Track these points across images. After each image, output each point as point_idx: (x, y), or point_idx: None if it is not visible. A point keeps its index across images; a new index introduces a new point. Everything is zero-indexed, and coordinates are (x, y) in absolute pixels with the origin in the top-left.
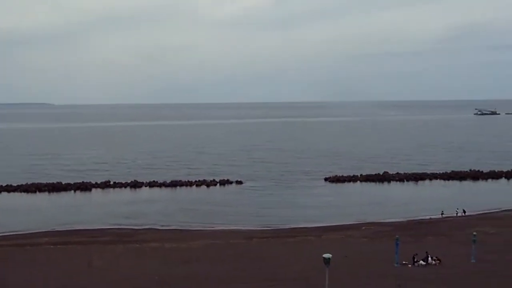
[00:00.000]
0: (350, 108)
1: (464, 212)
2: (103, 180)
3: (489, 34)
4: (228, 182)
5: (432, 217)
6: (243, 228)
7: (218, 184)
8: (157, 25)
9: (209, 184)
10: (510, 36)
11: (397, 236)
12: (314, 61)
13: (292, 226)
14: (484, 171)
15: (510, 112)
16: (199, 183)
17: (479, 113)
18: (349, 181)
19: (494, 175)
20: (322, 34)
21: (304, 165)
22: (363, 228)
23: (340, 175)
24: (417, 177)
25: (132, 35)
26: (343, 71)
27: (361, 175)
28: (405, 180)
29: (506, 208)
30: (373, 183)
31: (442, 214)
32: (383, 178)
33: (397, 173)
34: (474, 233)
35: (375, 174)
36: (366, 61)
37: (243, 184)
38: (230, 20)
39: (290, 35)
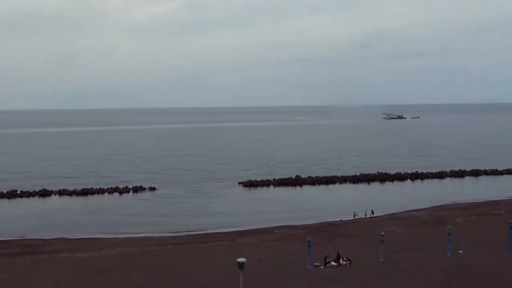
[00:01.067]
0: (263, 114)
1: (373, 213)
2: (9, 189)
3: (395, 41)
4: (142, 189)
5: (342, 219)
6: (157, 235)
7: (131, 191)
8: (69, 29)
9: (121, 191)
10: (413, 44)
11: (309, 238)
12: (229, 67)
13: (206, 231)
14: (391, 173)
15: (415, 116)
16: (111, 191)
17: (387, 117)
18: (263, 185)
19: (400, 177)
20: (238, 40)
21: (219, 170)
22: (276, 231)
23: (254, 179)
24: (328, 181)
25: (44, 38)
26: (257, 77)
27: (274, 179)
28: (316, 183)
29: (411, 209)
30: (285, 187)
31: (355, 215)
32: (296, 182)
33: (309, 176)
34: (382, 233)
35: (288, 178)
36: (279, 67)
37: (156, 191)
38: (145, 24)
39: (206, 40)
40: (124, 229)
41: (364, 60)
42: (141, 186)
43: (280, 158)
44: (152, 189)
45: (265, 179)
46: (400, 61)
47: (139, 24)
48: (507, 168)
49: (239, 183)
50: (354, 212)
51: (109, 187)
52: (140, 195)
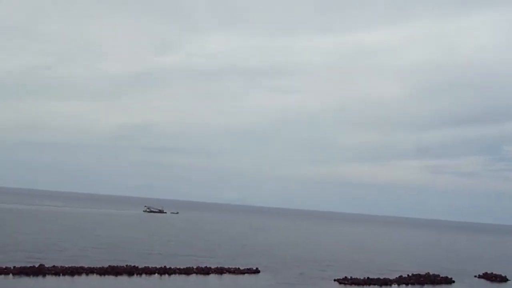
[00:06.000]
0: (8, 196)
1: None
2: None
3: (154, 135)
4: None
5: None
6: None
7: None
8: None
9: None
10: (173, 140)
11: None
12: None
13: None
14: (140, 267)
15: (175, 212)
16: None
17: (148, 210)
18: (0, 274)
19: (148, 271)
20: None
21: None
22: None
23: None
24: (73, 271)
25: None
26: (10, 158)
27: (14, 267)
28: (61, 274)
29: None
30: (27, 277)
31: None
32: (39, 271)
33: (54, 266)
34: None
35: (30, 267)
36: (31, 150)
37: None
38: None
39: None
40: None
41: (122, 151)
42: None
43: (20, 246)
44: None
45: (3, 267)
46: (160, 155)
47: None
48: (248, 267)
49: None
50: None
51: None
52: None
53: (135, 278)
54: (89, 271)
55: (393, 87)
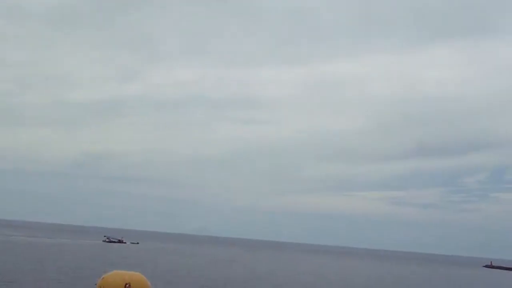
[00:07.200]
0: None
1: None
2: None
3: (113, 164)
4: None
5: None
6: None
7: None
8: None
9: None
10: (128, 168)
11: None
12: None
13: None
14: None
15: (135, 242)
16: None
17: (107, 240)
18: None
19: None
20: None
21: None
22: None
23: None
24: None
25: None
26: None
27: None
28: None
29: None
30: None
31: None
32: None
33: None
34: None
35: None
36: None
37: None
38: None
39: None
40: None
41: (83, 180)
42: None
43: None
44: None
45: None
46: (122, 185)
47: None
48: None
49: None
50: None
51: None
52: None
53: None
54: None
55: (357, 119)
